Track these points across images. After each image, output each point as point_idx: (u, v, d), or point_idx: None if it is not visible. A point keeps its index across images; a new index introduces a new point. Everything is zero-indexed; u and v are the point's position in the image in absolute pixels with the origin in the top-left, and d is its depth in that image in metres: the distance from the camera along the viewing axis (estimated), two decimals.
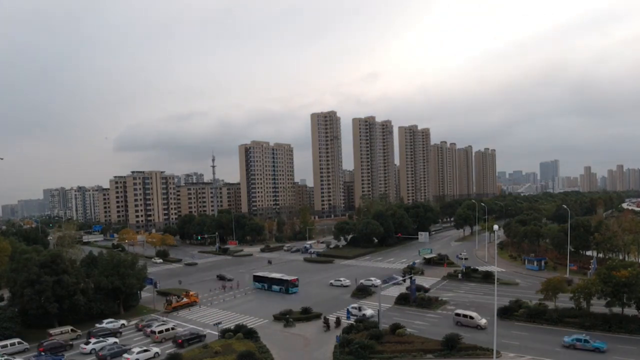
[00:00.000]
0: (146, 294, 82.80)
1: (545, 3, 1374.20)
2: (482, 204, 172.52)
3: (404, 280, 73.50)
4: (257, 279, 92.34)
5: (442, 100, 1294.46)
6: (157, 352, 52.42)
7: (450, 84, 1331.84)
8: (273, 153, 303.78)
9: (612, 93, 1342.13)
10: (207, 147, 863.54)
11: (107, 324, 64.13)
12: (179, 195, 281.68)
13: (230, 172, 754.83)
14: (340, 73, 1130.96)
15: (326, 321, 61.44)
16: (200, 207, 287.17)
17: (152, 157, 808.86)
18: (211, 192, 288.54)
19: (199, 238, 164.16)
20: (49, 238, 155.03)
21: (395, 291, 77.56)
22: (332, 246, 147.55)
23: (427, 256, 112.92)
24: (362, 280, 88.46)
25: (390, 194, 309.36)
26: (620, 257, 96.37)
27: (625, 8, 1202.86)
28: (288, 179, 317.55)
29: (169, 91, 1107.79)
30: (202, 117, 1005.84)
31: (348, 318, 63.84)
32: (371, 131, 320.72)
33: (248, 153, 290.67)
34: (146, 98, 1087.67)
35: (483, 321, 58.86)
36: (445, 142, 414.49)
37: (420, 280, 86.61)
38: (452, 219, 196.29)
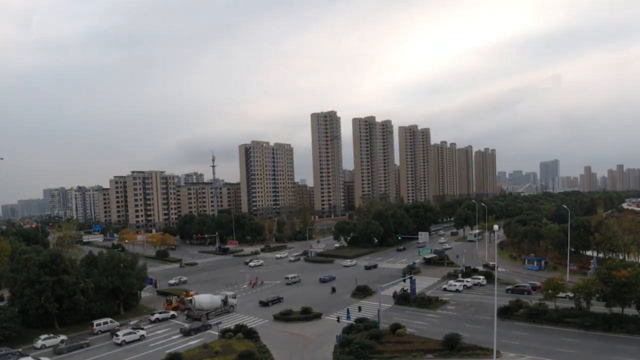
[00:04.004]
0: (146, 294, 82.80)
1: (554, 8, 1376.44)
2: (482, 204, 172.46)
3: (404, 281, 73.39)
4: None
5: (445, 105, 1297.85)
6: None
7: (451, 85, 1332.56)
8: (273, 153, 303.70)
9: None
10: (225, 149, 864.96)
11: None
12: (179, 195, 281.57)
13: (233, 172, 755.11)
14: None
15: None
16: (200, 207, 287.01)
17: (154, 157, 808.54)
18: (211, 192, 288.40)
19: (196, 238, 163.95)
20: (48, 238, 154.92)
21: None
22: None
23: (427, 256, 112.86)
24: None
25: (390, 194, 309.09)
26: (620, 257, 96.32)
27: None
28: (288, 179, 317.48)
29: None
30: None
31: (348, 318, 63.86)
32: (371, 131, 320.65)
33: (248, 153, 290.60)
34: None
35: None
36: (446, 142, 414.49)
37: (420, 281, 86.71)
38: (452, 219, 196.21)
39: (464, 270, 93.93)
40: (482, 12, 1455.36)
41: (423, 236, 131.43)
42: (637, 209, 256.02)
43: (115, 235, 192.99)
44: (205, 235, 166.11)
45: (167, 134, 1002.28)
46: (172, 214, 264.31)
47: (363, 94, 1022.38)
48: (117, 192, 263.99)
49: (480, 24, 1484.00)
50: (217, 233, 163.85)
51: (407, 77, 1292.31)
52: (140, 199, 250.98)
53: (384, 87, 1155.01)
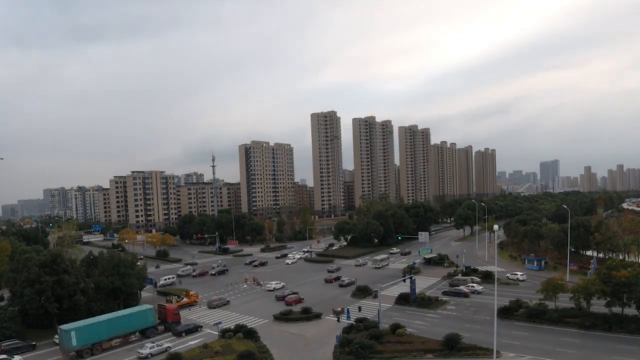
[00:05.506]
0: (146, 294, 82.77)
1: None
2: (482, 204, 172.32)
3: (404, 281, 73.31)
4: None
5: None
6: None
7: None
8: (273, 153, 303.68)
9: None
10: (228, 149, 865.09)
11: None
12: (179, 195, 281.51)
13: (233, 172, 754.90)
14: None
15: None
16: (200, 207, 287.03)
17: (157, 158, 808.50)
18: (211, 192, 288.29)
19: (196, 238, 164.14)
20: (49, 238, 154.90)
21: (395, 291, 77.55)
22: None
23: (427, 256, 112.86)
24: None
25: (390, 194, 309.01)
26: (620, 257, 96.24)
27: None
28: (288, 179, 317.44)
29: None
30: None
31: (348, 318, 63.85)
32: (371, 131, 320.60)
33: (248, 153, 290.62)
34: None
35: None
36: (446, 142, 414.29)
37: (420, 280, 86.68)
38: (452, 219, 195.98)
39: (464, 270, 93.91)
40: (483, 16, 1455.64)
41: (423, 236, 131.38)
42: (637, 209, 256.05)
43: (115, 235, 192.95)
44: (205, 235, 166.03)
45: (168, 134, 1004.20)
46: (172, 214, 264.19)
47: (364, 97, 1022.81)
48: (117, 192, 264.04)
49: (481, 28, 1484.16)
50: (217, 233, 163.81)
51: (407, 82, 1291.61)
52: (140, 199, 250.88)
53: (384, 91, 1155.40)
